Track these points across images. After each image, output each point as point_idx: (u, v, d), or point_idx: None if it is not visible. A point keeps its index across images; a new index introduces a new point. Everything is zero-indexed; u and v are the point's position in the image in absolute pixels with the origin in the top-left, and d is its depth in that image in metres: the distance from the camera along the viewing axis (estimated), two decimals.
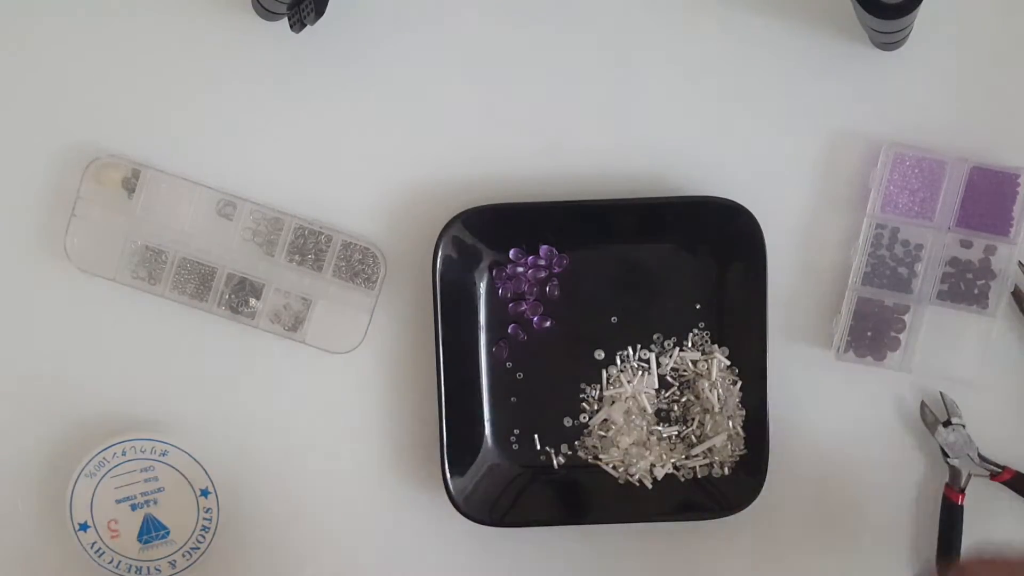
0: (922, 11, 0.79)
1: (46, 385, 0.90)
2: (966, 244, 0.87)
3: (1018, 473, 0.87)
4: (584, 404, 0.88)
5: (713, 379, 0.87)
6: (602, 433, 0.87)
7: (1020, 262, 0.87)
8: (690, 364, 0.87)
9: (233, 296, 0.89)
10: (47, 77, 0.89)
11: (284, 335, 0.89)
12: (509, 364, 0.88)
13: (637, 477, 0.87)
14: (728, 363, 0.87)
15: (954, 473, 0.88)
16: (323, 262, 0.89)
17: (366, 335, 0.89)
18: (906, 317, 0.87)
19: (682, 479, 0.87)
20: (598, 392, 0.88)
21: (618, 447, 0.87)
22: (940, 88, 0.88)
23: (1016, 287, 0.87)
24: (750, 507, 0.85)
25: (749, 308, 0.86)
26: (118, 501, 0.88)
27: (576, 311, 0.88)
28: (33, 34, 0.89)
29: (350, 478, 0.90)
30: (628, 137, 0.89)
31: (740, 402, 0.87)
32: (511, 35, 0.89)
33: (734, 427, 0.86)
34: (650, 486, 0.87)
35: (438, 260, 0.86)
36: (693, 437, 0.87)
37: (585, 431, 0.88)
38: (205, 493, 0.88)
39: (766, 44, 0.88)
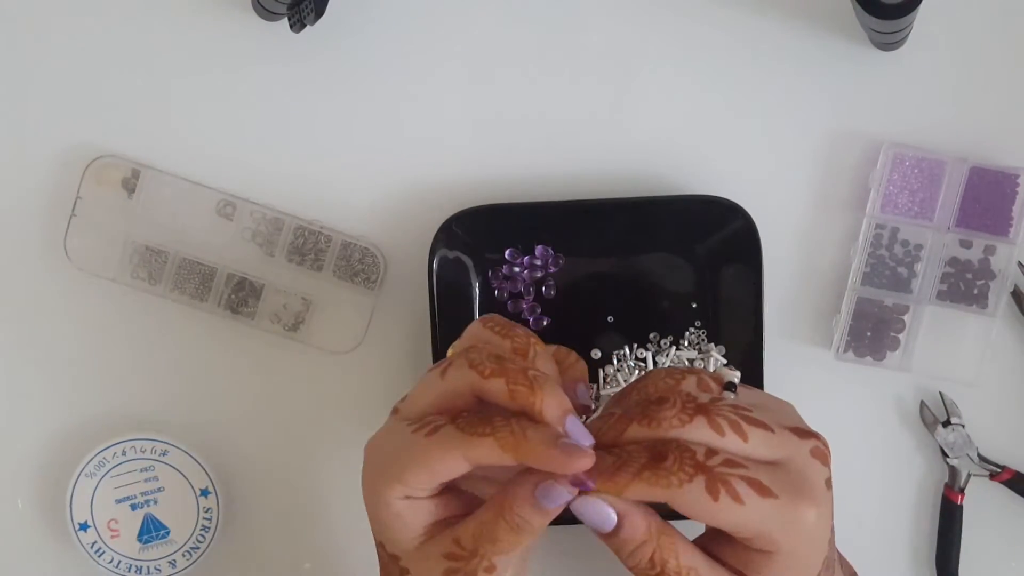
0: (922, 11, 0.79)
1: (46, 385, 0.90)
2: (966, 244, 0.87)
3: (1018, 473, 0.87)
4: None
5: None
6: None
7: (1020, 262, 0.87)
8: (687, 363, 0.87)
9: (233, 296, 0.89)
10: (46, 77, 0.89)
11: (284, 335, 0.89)
12: None
13: None
14: (724, 361, 0.87)
15: (953, 473, 0.88)
16: (323, 262, 0.89)
17: (366, 335, 0.89)
18: (906, 317, 0.87)
19: None
20: (595, 391, 0.88)
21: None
22: (940, 88, 0.88)
23: (1016, 287, 0.87)
24: None
25: (745, 307, 0.86)
26: (118, 501, 0.88)
27: (572, 310, 0.88)
28: (32, 34, 0.89)
29: (350, 477, 0.89)
30: (625, 137, 0.89)
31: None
32: (510, 36, 0.89)
33: None
34: None
35: (434, 261, 0.86)
36: None
37: None
38: (205, 493, 0.88)
39: (765, 44, 0.88)
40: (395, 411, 0.68)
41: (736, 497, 0.61)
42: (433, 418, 0.65)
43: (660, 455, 0.62)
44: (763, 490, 0.61)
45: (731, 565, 0.65)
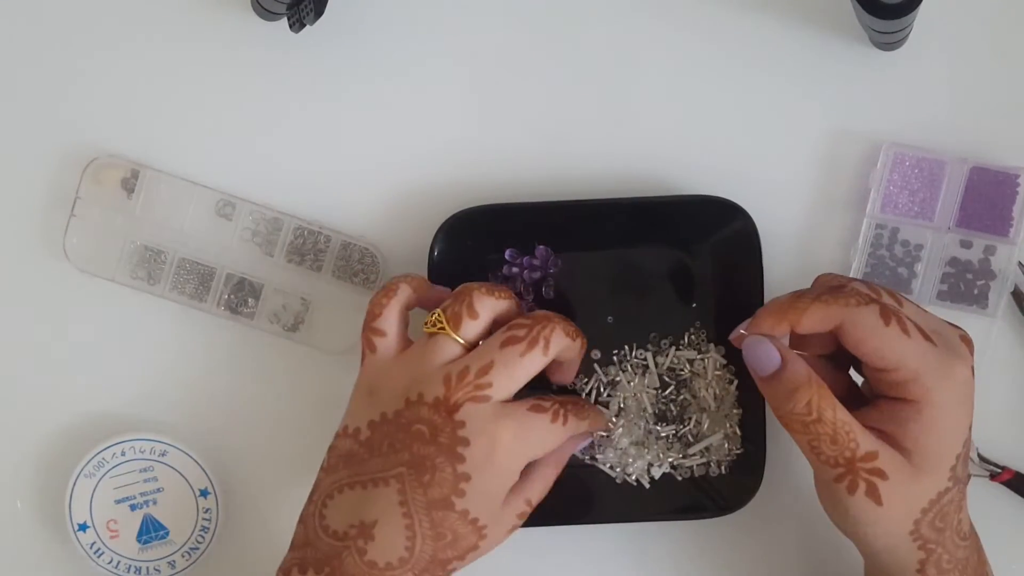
0: (922, 11, 0.79)
1: (45, 385, 0.90)
2: (966, 244, 0.87)
3: (1018, 473, 0.87)
4: None
5: (709, 378, 0.86)
6: (600, 432, 0.87)
7: (1020, 262, 0.87)
8: (686, 363, 0.87)
9: (232, 296, 0.89)
10: (45, 77, 0.89)
11: (283, 335, 0.89)
12: None
13: (634, 477, 0.87)
14: (724, 362, 0.87)
15: None
16: (322, 262, 0.89)
17: None
18: None
19: (679, 479, 0.87)
20: (595, 392, 0.88)
21: (615, 447, 0.86)
22: (940, 88, 0.88)
23: (1016, 287, 0.87)
24: (747, 506, 0.85)
25: (745, 307, 0.86)
26: (117, 501, 0.88)
27: (572, 311, 0.88)
28: (32, 34, 0.89)
29: None
30: (625, 137, 0.89)
31: (737, 401, 0.86)
32: (509, 36, 0.89)
33: (731, 426, 0.86)
34: (647, 486, 0.87)
35: (433, 262, 0.86)
36: (690, 436, 0.87)
37: None
38: (204, 493, 0.88)
39: (765, 44, 0.88)
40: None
41: (905, 329, 0.70)
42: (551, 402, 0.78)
43: (838, 286, 0.74)
44: (926, 335, 0.71)
45: (878, 429, 0.72)
